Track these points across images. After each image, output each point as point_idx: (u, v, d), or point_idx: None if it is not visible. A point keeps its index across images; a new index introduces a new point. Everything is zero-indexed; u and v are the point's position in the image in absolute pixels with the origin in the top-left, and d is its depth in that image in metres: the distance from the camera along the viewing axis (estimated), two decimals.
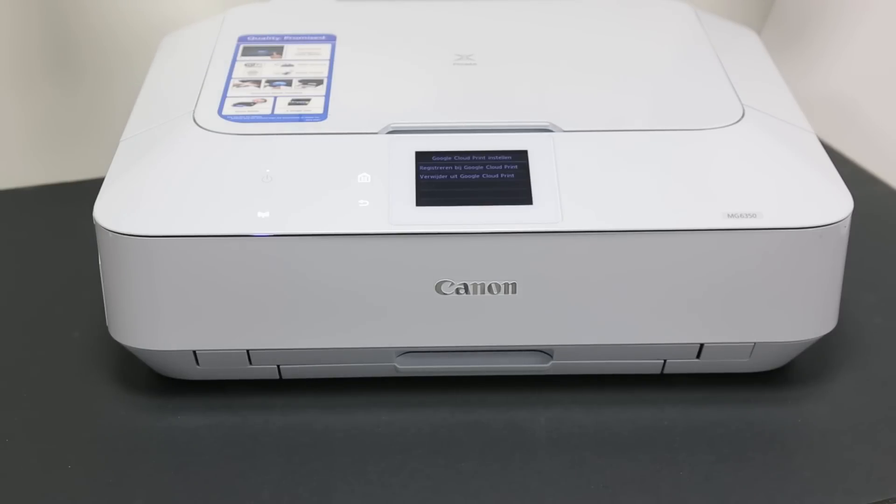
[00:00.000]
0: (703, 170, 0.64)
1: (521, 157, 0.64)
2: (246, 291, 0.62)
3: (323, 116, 0.66)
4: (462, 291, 0.63)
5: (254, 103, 0.68)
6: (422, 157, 0.64)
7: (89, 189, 0.67)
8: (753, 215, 0.62)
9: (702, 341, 0.66)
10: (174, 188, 0.63)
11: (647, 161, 0.64)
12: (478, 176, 0.64)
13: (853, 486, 0.62)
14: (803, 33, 1.09)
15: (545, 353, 0.67)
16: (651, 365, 0.68)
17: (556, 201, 0.62)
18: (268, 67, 0.72)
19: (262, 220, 0.61)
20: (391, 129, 0.65)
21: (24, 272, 0.81)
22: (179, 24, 0.91)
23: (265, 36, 0.76)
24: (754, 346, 0.66)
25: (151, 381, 0.69)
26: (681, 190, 0.63)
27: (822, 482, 0.62)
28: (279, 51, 0.73)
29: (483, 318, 0.64)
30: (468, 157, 0.64)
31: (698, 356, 0.67)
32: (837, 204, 0.63)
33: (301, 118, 0.66)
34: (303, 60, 0.72)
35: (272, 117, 0.66)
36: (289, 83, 0.70)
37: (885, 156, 0.98)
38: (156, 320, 0.64)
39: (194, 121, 0.66)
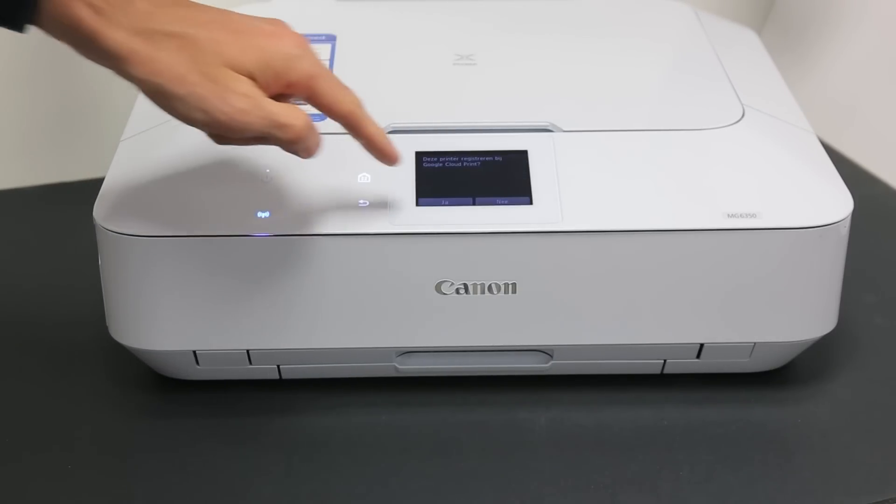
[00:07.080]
0: (703, 170, 0.64)
1: (521, 157, 0.64)
2: (246, 291, 0.62)
3: (323, 116, 0.66)
4: (462, 291, 0.63)
5: None
6: (422, 157, 0.64)
7: (89, 189, 0.67)
8: (753, 215, 0.62)
9: (702, 341, 0.66)
10: (174, 188, 0.62)
11: (647, 161, 0.64)
12: (478, 176, 0.63)
13: (853, 486, 0.62)
14: (803, 33, 1.09)
15: (545, 353, 0.67)
16: (651, 365, 0.68)
17: (556, 201, 0.62)
18: None
19: (262, 220, 0.61)
20: (391, 129, 0.65)
21: (24, 272, 0.81)
22: None
23: None
24: (754, 346, 0.66)
25: (151, 381, 0.69)
26: (681, 190, 0.63)
27: (822, 482, 0.62)
28: None
29: (483, 318, 0.64)
30: (468, 157, 0.64)
31: (698, 356, 0.67)
32: (837, 204, 0.63)
33: None
34: None
35: None
36: None
37: (885, 156, 0.98)
38: (156, 320, 0.64)
39: None
